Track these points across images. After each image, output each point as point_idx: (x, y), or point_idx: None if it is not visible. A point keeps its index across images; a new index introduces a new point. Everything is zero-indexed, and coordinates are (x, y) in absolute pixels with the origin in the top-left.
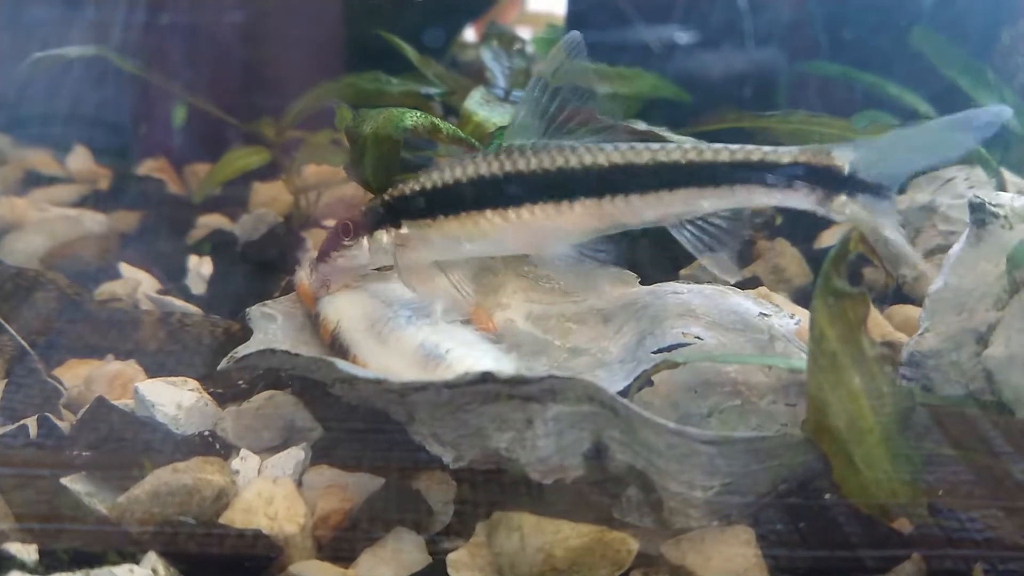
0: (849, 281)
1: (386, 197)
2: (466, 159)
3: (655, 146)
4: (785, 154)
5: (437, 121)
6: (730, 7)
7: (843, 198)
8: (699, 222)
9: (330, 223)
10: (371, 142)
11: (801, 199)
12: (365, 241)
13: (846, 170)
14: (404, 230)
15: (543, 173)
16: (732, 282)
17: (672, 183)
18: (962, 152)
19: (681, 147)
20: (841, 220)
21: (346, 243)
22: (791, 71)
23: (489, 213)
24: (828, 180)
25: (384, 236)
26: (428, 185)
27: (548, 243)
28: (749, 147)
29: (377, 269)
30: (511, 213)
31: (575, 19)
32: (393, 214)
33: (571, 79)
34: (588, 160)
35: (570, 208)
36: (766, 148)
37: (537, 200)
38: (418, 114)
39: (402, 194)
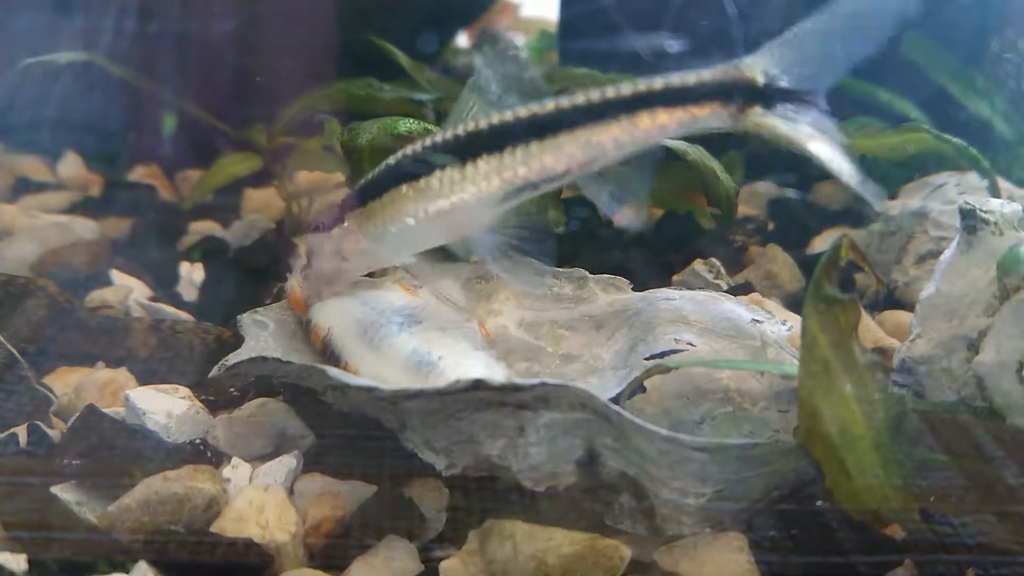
0: (840, 287)
1: (350, 191)
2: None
3: (564, 97)
4: (690, 76)
5: (430, 127)
6: (721, 15)
7: (758, 109)
8: (606, 174)
9: None
10: (367, 153)
11: (713, 117)
12: (327, 242)
13: (760, 80)
14: (346, 223)
15: (452, 139)
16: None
17: (571, 124)
18: (881, 37)
19: (586, 91)
20: (763, 134)
21: (315, 246)
22: None
23: (404, 188)
24: (741, 93)
25: (339, 233)
26: (368, 177)
27: (468, 217)
28: (656, 77)
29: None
30: (422, 183)
31: (567, 26)
32: (343, 211)
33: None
34: (495, 119)
35: (475, 168)
36: (672, 74)
37: (444, 167)
38: (411, 121)
39: (350, 191)
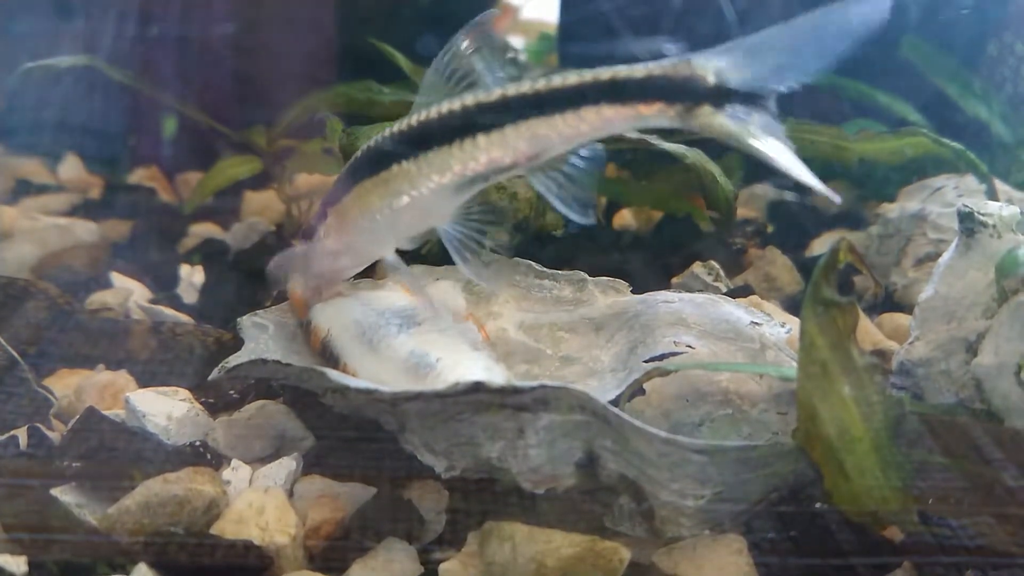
0: (839, 290)
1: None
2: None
3: (513, 84)
4: (639, 69)
5: None
6: (719, 19)
7: (707, 109)
8: (555, 165)
9: None
10: None
11: (659, 115)
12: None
13: (710, 79)
14: (328, 219)
15: (407, 130)
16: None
17: (517, 117)
18: (842, 49)
19: (534, 79)
20: (710, 135)
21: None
22: None
23: (368, 183)
24: (690, 92)
25: (321, 231)
26: (341, 172)
27: (428, 208)
28: (605, 68)
29: (363, 275)
30: (382, 177)
31: (567, 29)
32: (325, 208)
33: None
34: (444, 109)
35: (428, 161)
36: (622, 67)
37: (400, 159)
38: None
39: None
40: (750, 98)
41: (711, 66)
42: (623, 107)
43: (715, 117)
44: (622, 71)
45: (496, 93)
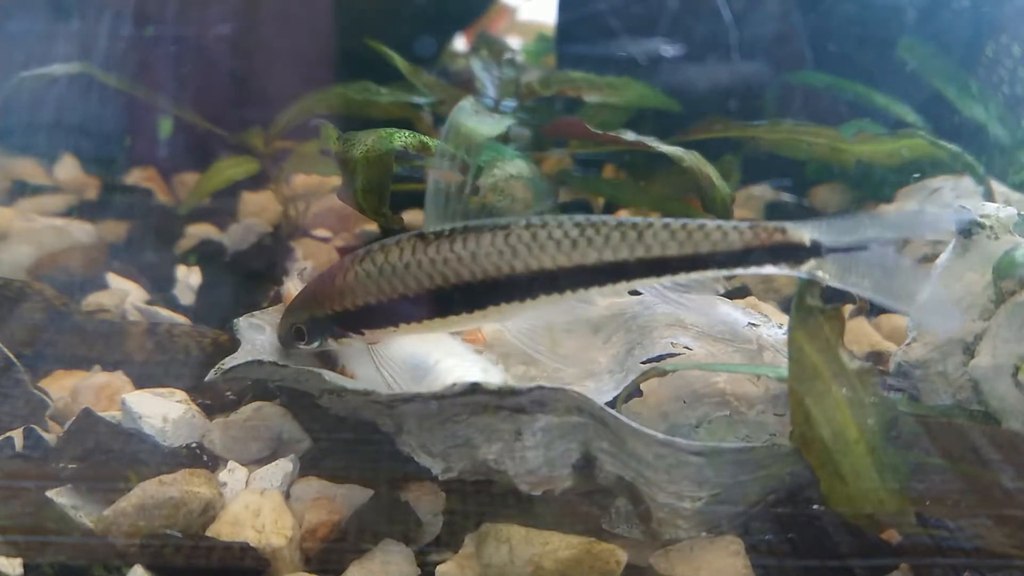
0: (829, 296)
1: (331, 311)
2: (404, 253)
3: (597, 239)
4: (735, 240)
5: (425, 139)
6: (716, 20)
7: (812, 263)
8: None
9: (319, 232)
10: (361, 165)
11: (769, 271)
12: (325, 343)
13: (807, 242)
14: (364, 333)
15: (491, 281)
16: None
17: (627, 276)
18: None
19: (625, 236)
20: (823, 281)
21: (302, 346)
22: (778, 82)
23: (438, 320)
24: (790, 254)
25: (343, 341)
26: (372, 301)
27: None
28: (696, 232)
29: None
30: (463, 317)
31: (565, 29)
32: (347, 325)
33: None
34: (534, 265)
35: (533, 302)
36: (715, 233)
37: (488, 304)
38: (407, 134)
39: (346, 311)
40: (849, 247)
41: (804, 234)
42: (731, 269)
43: (820, 268)
44: (720, 242)
45: (592, 255)
